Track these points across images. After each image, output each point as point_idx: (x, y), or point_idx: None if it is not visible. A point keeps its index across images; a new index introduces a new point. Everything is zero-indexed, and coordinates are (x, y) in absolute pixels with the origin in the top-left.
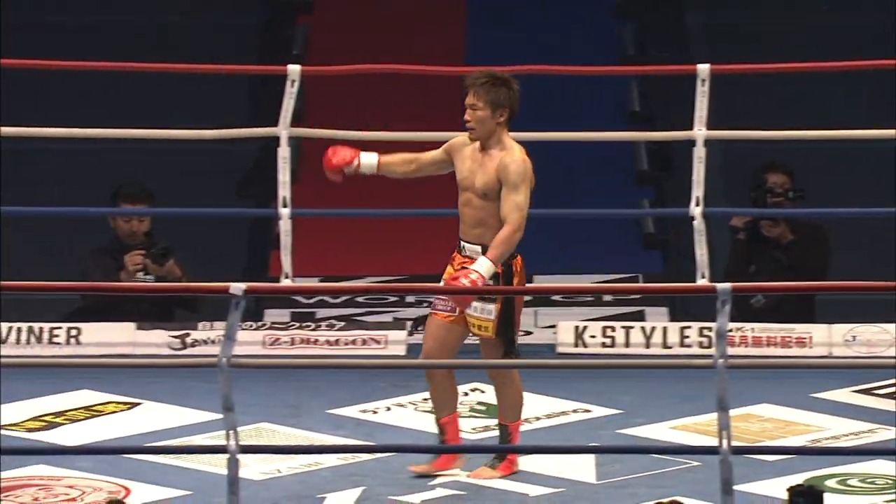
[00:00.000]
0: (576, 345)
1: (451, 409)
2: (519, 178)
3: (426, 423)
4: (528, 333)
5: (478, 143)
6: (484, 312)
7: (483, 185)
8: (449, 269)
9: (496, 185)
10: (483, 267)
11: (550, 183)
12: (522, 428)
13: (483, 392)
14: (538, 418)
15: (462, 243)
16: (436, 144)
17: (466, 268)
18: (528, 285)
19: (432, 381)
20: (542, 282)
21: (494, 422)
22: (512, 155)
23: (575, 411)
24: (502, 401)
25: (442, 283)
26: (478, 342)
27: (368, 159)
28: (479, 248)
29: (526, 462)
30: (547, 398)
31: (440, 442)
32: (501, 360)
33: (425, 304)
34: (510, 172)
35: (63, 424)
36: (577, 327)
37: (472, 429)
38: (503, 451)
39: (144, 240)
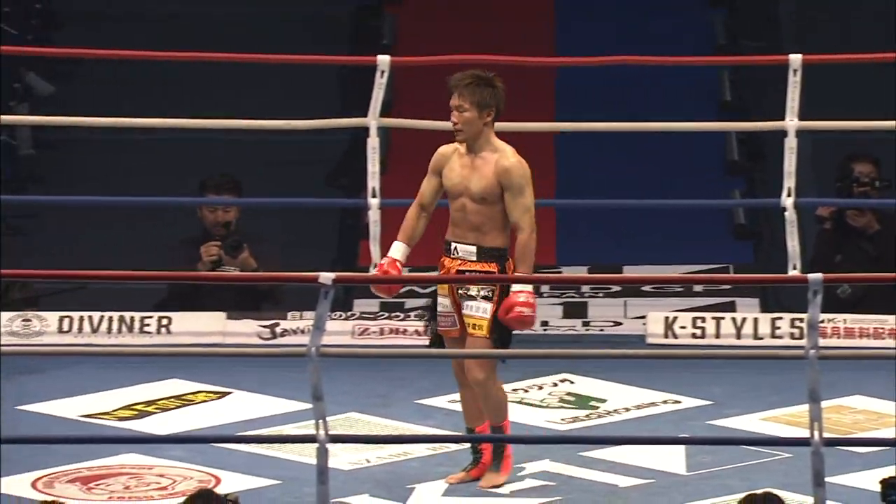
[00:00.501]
0: (666, 335)
1: (483, 420)
2: (523, 180)
3: (514, 414)
4: (618, 324)
5: (464, 148)
6: (479, 311)
7: (481, 189)
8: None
9: (496, 189)
10: (525, 284)
11: (641, 174)
12: (603, 420)
13: (572, 383)
14: (628, 409)
15: (453, 245)
16: (519, 136)
17: (512, 292)
18: (618, 275)
19: (463, 389)
20: (631, 272)
21: (584, 413)
22: (508, 157)
23: (665, 402)
24: (486, 403)
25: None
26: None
27: (397, 251)
28: (474, 249)
29: (616, 453)
30: (637, 389)
31: (475, 452)
32: (600, 350)
33: None
34: (513, 176)
35: (154, 413)
36: (667, 318)
37: (562, 419)
38: (604, 441)
39: (223, 231)
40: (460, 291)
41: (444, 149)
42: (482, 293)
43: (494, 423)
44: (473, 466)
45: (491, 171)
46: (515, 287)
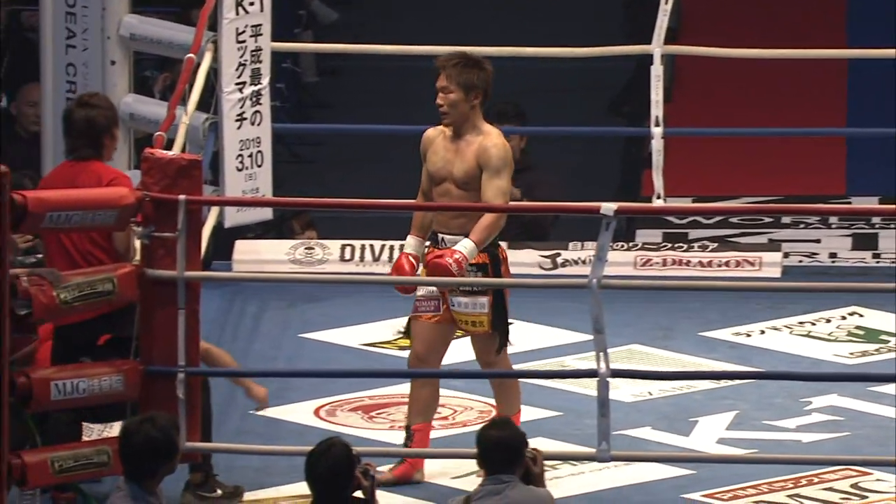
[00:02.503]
0: None
1: (427, 417)
2: (501, 162)
3: (801, 347)
4: None
5: (449, 132)
6: (476, 307)
7: (463, 173)
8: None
9: (477, 172)
10: (466, 248)
11: None
12: (893, 355)
13: (862, 316)
14: None
15: (439, 236)
16: (809, 64)
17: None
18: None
19: (414, 385)
20: None
21: (873, 347)
22: (491, 139)
23: None
24: (499, 391)
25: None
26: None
27: (410, 246)
28: (461, 240)
29: None
30: None
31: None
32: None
33: (801, 226)
34: (492, 157)
35: None
36: None
37: (850, 353)
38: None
39: None
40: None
41: (429, 132)
42: (475, 287)
43: (507, 414)
44: (397, 466)
45: (473, 154)
46: (458, 247)
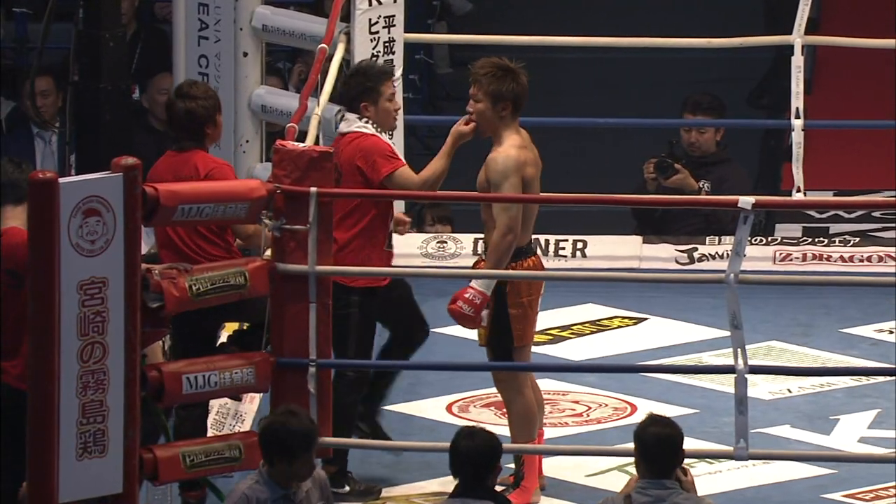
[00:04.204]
0: None
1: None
2: (499, 175)
3: None
4: None
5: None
6: (483, 320)
7: (479, 184)
8: None
9: (485, 185)
10: (478, 282)
11: None
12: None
13: None
14: None
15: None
16: None
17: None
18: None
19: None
20: None
21: None
22: (499, 150)
23: None
24: (509, 417)
25: None
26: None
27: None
28: (483, 246)
29: None
30: None
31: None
32: None
33: None
34: (490, 171)
35: (569, 339)
36: None
37: None
38: None
39: (698, 151)
40: None
41: None
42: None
43: (516, 441)
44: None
45: (484, 166)
46: (473, 283)
